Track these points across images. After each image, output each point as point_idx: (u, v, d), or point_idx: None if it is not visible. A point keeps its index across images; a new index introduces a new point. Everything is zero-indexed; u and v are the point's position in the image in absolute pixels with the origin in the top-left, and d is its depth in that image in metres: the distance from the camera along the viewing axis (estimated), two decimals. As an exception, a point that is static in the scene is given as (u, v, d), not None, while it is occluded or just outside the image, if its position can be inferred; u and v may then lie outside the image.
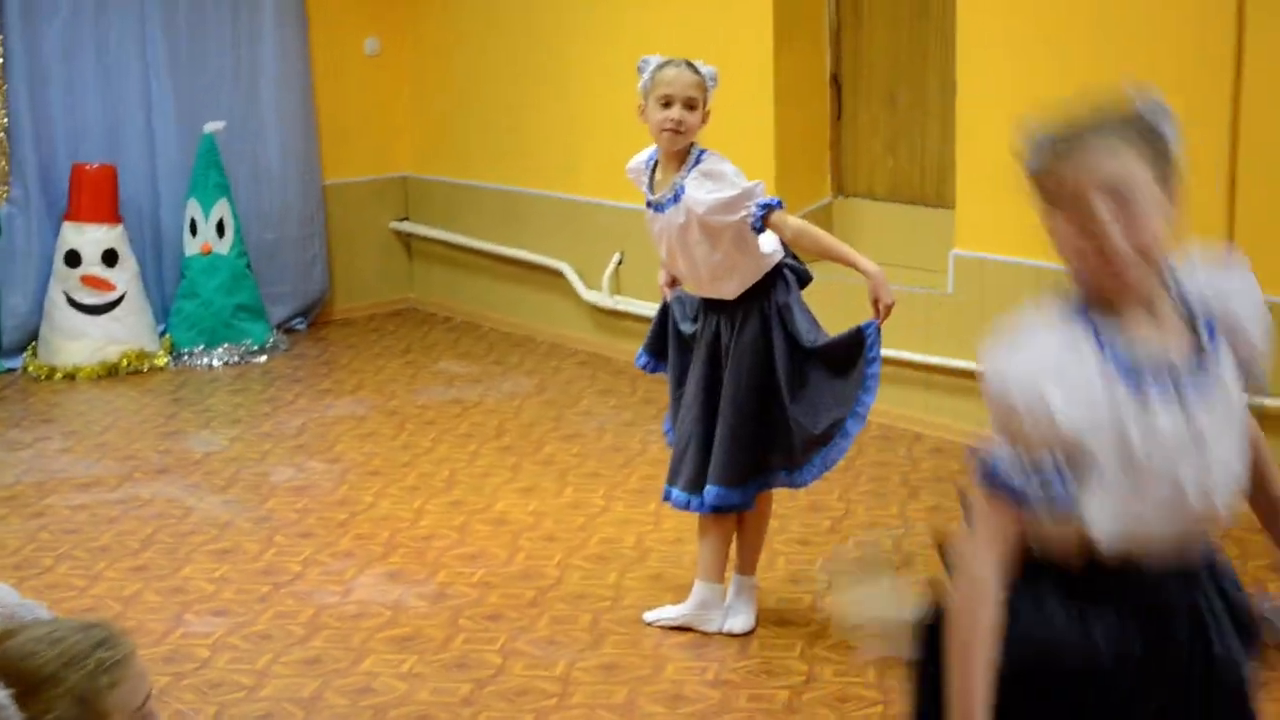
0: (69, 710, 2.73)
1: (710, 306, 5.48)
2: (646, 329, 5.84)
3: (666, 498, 5.63)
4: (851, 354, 5.38)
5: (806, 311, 5.50)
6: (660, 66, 5.37)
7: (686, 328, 5.56)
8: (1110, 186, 2.85)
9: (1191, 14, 6.59)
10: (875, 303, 5.32)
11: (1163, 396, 2.90)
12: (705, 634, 5.60)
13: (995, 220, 7.37)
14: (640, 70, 5.42)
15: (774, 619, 5.71)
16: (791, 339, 5.41)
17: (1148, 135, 2.98)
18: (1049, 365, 2.87)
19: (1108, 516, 2.86)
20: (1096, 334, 2.92)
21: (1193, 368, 2.92)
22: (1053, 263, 7.10)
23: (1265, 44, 6.40)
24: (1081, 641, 2.92)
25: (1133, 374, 2.89)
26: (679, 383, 5.62)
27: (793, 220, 5.37)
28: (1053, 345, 2.91)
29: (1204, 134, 6.56)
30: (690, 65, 5.37)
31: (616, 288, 9.27)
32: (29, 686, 2.76)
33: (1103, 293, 2.92)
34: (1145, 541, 2.90)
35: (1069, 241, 2.90)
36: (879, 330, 5.35)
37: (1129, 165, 2.92)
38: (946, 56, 7.74)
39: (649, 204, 5.47)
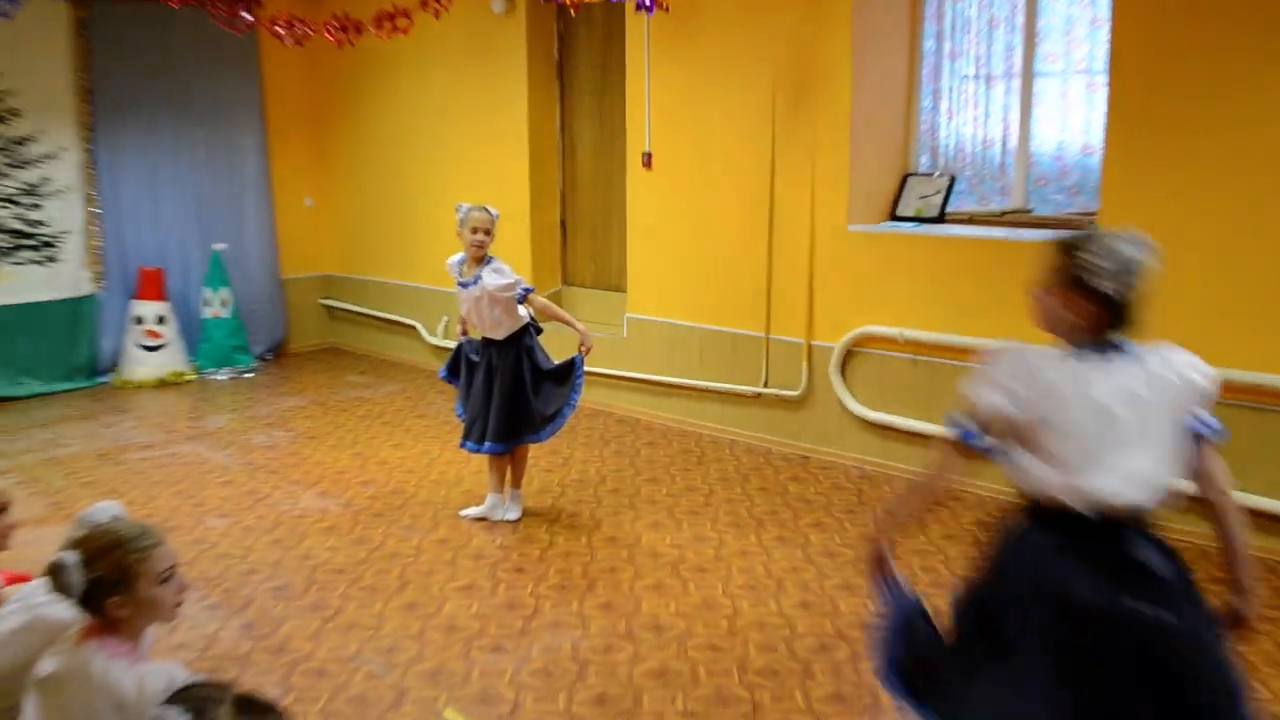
0: (112, 573, 2.73)
1: (489, 344, 5.57)
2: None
3: (464, 447, 5.69)
4: (568, 372, 5.57)
5: (542, 349, 5.64)
6: (470, 209, 5.46)
7: (474, 357, 5.66)
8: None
9: (750, 165, 6.84)
10: (581, 345, 5.51)
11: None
12: (493, 521, 5.68)
13: (647, 298, 7.53)
14: (458, 211, 5.51)
15: (530, 512, 5.79)
16: (534, 365, 5.55)
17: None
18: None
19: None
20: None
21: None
22: (680, 320, 7.17)
23: (786, 169, 6.66)
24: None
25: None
26: (468, 386, 5.68)
27: (539, 299, 5.53)
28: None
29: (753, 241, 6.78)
30: (486, 209, 5.47)
31: (445, 335, 9.26)
32: (90, 557, 2.75)
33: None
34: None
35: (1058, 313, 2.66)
36: (583, 360, 5.54)
37: None
38: (621, 211, 7.80)
39: (460, 284, 5.55)
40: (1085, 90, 6.06)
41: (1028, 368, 2.62)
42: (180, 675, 2.73)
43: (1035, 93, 6.20)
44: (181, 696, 2.24)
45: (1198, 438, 2.60)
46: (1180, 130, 5.13)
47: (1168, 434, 2.57)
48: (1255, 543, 5.03)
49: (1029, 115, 6.23)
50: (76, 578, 2.71)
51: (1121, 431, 2.53)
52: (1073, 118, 6.13)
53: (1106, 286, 2.56)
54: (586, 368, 5.61)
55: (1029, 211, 6.26)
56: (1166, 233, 5.16)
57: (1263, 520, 5.01)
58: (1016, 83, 6.26)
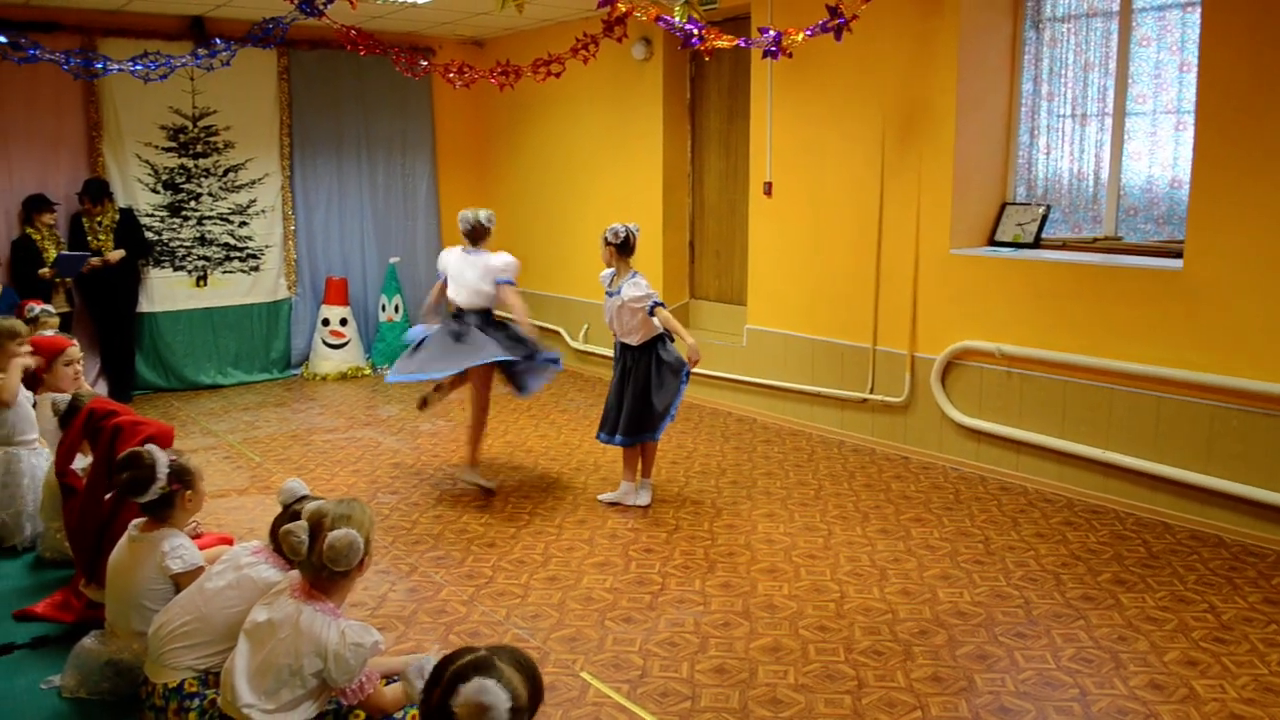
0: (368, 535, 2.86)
1: (625, 348, 5.55)
2: (603, 362, 5.88)
3: (599, 438, 5.67)
4: (677, 377, 5.52)
5: (671, 351, 5.57)
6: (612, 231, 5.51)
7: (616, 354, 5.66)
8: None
9: (860, 199, 6.71)
10: (689, 357, 5.46)
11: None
12: (626, 505, 5.65)
13: (765, 312, 7.45)
14: (606, 235, 5.52)
15: (659, 499, 5.75)
16: (659, 365, 5.50)
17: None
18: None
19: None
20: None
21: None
22: (795, 331, 7.13)
23: (893, 197, 6.53)
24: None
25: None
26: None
27: (663, 312, 5.42)
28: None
29: (864, 247, 6.66)
30: (604, 237, 5.53)
31: (585, 340, 9.31)
32: (315, 527, 2.79)
33: None
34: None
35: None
36: (690, 371, 5.53)
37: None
38: (743, 234, 7.77)
39: (607, 294, 5.55)
40: (1174, 128, 5.82)
41: (448, 254, 5.87)
42: (374, 632, 2.77)
43: (1126, 130, 5.97)
44: (452, 660, 2.15)
45: (498, 285, 5.68)
46: (1263, 164, 4.89)
47: (482, 279, 5.73)
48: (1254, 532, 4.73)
49: (1120, 151, 5.99)
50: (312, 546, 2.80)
51: (464, 277, 5.77)
52: (1161, 153, 5.89)
53: (462, 227, 5.82)
54: (709, 372, 5.57)
55: (1119, 239, 6.02)
56: (1250, 257, 4.95)
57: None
58: (1109, 121, 6.03)
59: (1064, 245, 6.13)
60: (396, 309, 9.50)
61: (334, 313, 9.22)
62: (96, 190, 7.96)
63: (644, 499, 5.67)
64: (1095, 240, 6.07)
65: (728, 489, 5.95)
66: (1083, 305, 5.62)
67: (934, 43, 6.16)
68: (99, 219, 7.99)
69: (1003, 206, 6.39)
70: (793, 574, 4.69)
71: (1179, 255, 5.40)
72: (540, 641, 4.04)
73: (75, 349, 5.08)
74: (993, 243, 6.35)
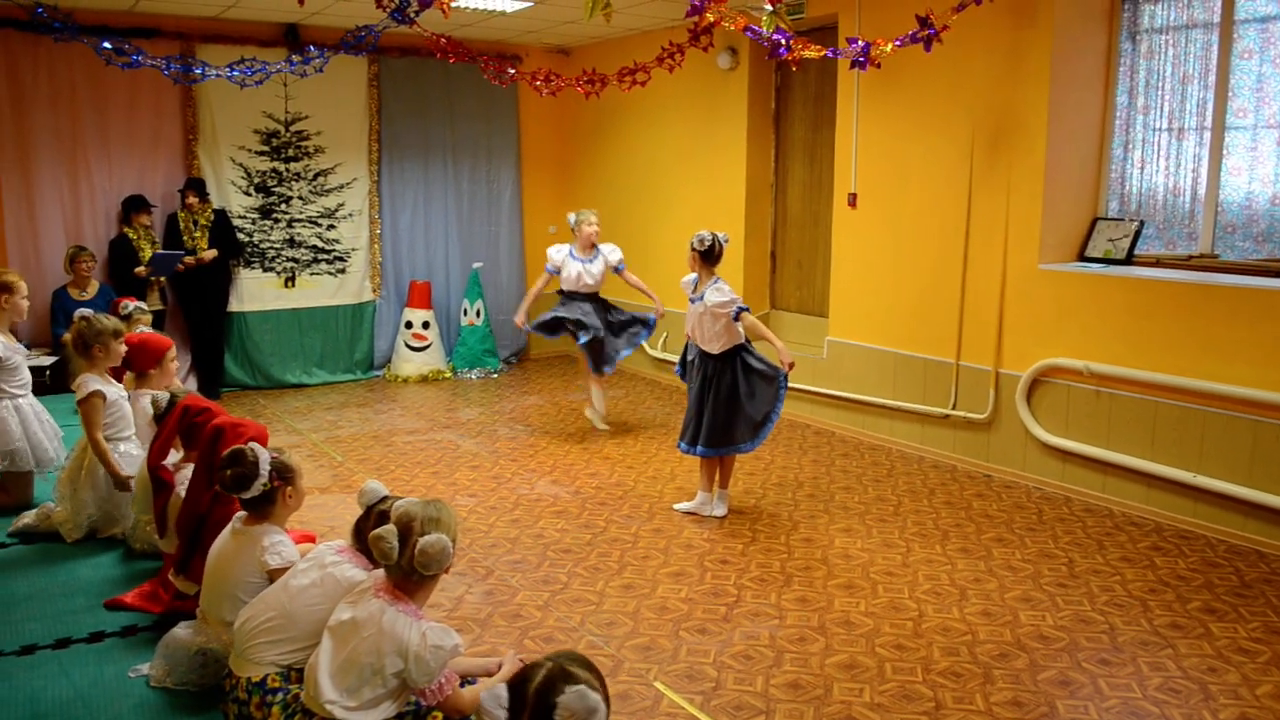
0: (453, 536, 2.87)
1: (704, 354, 5.53)
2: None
3: (679, 447, 5.65)
4: (774, 384, 5.45)
5: (760, 358, 5.52)
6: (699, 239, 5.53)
7: (691, 357, 5.61)
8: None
9: (948, 212, 6.62)
10: (782, 362, 5.39)
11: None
12: (702, 516, 5.63)
13: (847, 324, 7.38)
14: (693, 242, 5.52)
15: (735, 510, 5.72)
16: (746, 368, 5.47)
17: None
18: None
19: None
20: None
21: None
22: (876, 344, 7.06)
23: (980, 210, 6.43)
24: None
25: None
26: (690, 381, 5.67)
27: (749, 318, 5.41)
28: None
29: (950, 257, 6.57)
30: (692, 242, 5.54)
31: (663, 348, 9.30)
32: (404, 531, 2.82)
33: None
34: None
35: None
36: (787, 375, 5.42)
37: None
38: (826, 245, 7.73)
39: (691, 299, 5.54)
40: (1275, 143, 5.63)
41: (559, 253, 7.21)
42: (454, 635, 2.79)
43: (1225, 145, 5.80)
44: (526, 682, 2.17)
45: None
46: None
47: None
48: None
49: (1218, 166, 5.82)
50: (406, 555, 2.82)
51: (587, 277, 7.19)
52: (1262, 169, 5.71)
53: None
54: (790, 384, 5.50)
55: (1216, 257, 5.85)
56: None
57: None
58: (1207, 135, 5.86)
59: (1157, 262, 5.97)
60: (478, 313, 9.60)
61: (417, 316, 9.35)
62: (201, 186, 8.26)
63: (720, 510, 5.64)
64: (1190, 258, 5.91)
65: (805, 502, 5.89)
66: (1176, 324, 5.47)
67: (1026, 54, 6.06)
68: (196, 218, 8.22)
69: (1094, 221, 6.25)
70: (870, 591, 4.63)
71: (1279, 274, 5.23)
72: (614, 649, 4.05)
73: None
74: (1083, 258, 6.22)
